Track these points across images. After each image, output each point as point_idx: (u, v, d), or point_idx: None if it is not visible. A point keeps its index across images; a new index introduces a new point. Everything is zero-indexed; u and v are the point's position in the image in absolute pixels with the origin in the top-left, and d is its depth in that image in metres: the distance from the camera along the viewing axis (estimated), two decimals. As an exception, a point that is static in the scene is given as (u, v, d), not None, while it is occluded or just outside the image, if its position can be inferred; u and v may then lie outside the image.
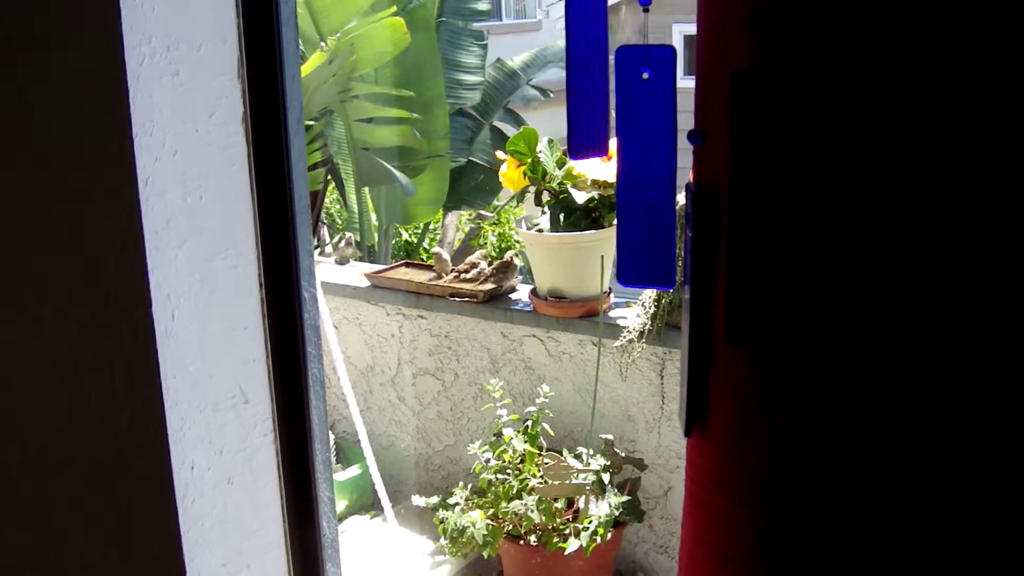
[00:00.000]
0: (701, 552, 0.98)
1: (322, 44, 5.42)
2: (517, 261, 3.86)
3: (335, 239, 4.61)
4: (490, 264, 3.91)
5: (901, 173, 0.78)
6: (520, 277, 3.86)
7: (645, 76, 0.95)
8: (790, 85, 0.82)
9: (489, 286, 3.78)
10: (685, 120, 0.94)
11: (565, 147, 1.04)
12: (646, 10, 0.99)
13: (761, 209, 0.86)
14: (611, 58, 0.98)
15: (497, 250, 8.68)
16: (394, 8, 5.77)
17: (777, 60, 0.83)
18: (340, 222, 8.45)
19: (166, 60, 1.37)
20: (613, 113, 1.00)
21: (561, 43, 7.92)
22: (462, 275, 3.92)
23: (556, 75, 7.87)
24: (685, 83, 0.91)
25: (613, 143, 1.00)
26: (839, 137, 0.81)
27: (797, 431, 0.86)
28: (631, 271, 1.00)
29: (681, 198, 1.34)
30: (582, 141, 1.03)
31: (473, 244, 8.59)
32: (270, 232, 1.53)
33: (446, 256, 4.07)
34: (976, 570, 0.82)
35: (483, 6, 7.25)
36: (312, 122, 5.68)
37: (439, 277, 3.97)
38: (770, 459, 0.89)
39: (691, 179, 0.94)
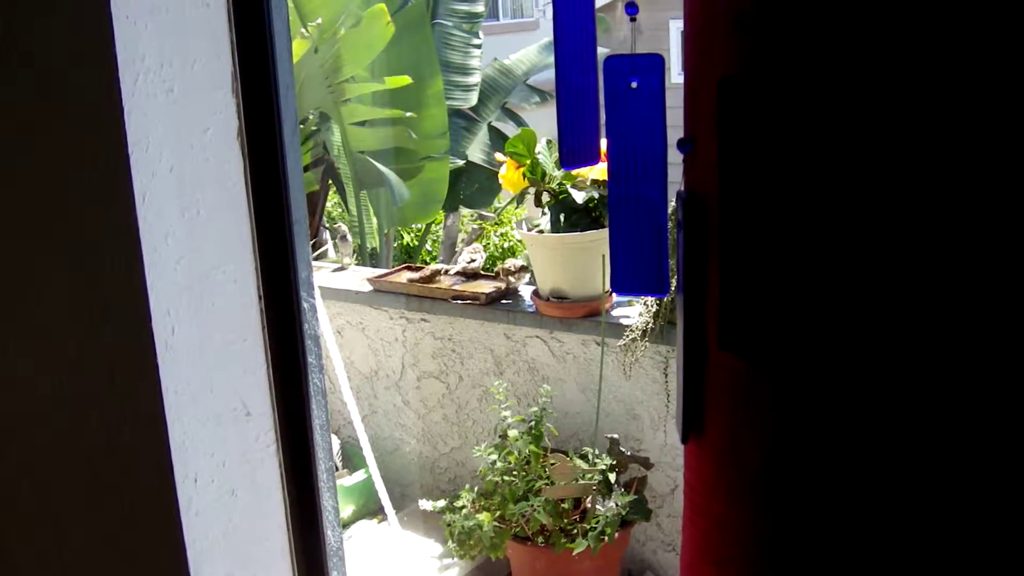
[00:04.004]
0: (700, 558, 0.98)
1: (303, 31, 5.40)
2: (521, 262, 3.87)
3: (339, 236, 4.61)
4: (492, 265, 3.92)
5: (891, 178, 0.78)
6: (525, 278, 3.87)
7: (634, 85, 0.95)
8: (777, 91, 0.83)
9: (494, 286, 3.79)
10: (680, 117, 0.94)
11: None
12: (633, 19, 1.00)
13: (752, 216, 0.86)
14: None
15: (500, 251, 8.68)
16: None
17: (764, 66, 0.83)
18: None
19: (160, 77, 1.38)
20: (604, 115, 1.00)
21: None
22: (467, 265, 3.93)
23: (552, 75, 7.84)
24: (681, 80, 0.92)
25: (605, 144, 1.00)
26: (828, 142, 0.81)
27: (791, 436, 0.87)
28: (624, 279, 1.01)
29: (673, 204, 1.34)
30: (573, 150, 1.03)
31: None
32: (268, 244, 1.54)
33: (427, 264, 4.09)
34: (970, 572, 0.82)
35: (478, 8, 7.25)
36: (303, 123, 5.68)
37: (432, 278, 3.97)
38: (765, 464, 0.89)
39: (682, 186, 0.95)
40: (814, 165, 0.81)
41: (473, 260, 3.97)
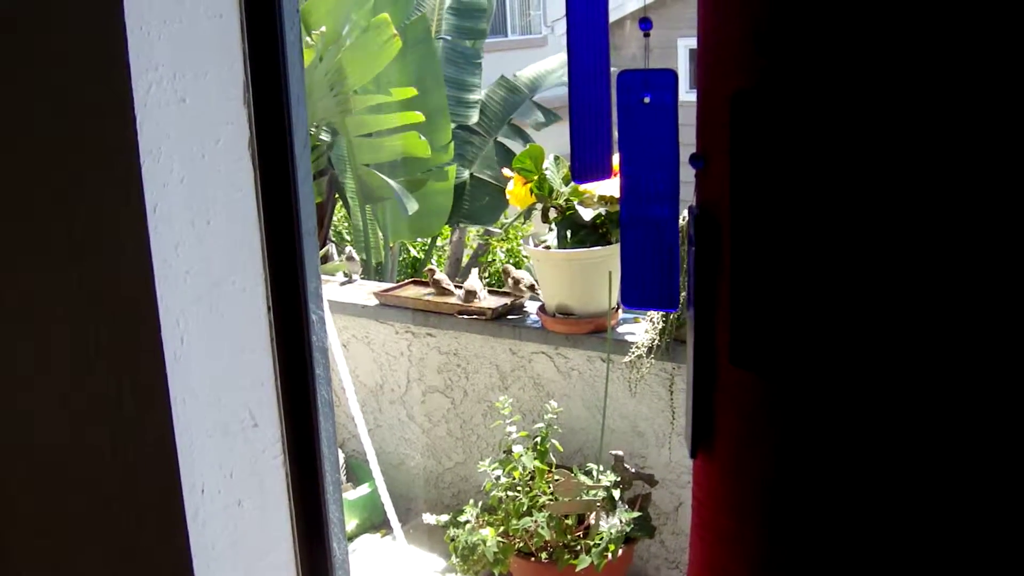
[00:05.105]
0: (707, 573, 0.98)
1: (307, 39, 5.42)
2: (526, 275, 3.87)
3: (344, 257, 4.62)
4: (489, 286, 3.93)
5: (905, 195, 0.78)
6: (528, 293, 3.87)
7: (647, 100, 0.95)
8: (790, 106, 0.83)
9: (500, 302, 3.80)
10: (690, 134, 0.94)
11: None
12: (646, 35, 1.00)
13: (763, 231, 0.86)
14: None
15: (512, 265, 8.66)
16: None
17: (777, 81, 0.83)
18: (349, 239, 8.46)
19: (172, 87, 1.38)
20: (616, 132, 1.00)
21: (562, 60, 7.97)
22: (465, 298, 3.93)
23: (561, 92, 7.90)
24: (690, 97, 0.92)
25: (617, 159, 1.01)
26: (840, 158, 0.81)
27: (801, 452, 0.87)
28: (635, 293, 1.01)
29: (684, 219, 1.34)
30: (585, 164, 1.03)
31: (482, 261, 8.60)
32: (277, 256, 1.54)
33: (441, 276, 4.09)
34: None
35: (480, 25, 7.28)
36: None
37: (439, 294, 3.98)
38: (774, 479, 0.89)
39: (694, 201, 0.95)
40: (826, 180, 0.81)
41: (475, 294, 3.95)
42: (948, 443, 0.80)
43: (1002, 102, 0.74)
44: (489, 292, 3.97)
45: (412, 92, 5.71)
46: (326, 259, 5.35)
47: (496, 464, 3.47)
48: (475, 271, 4.11)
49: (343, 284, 4.45)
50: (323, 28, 5.45)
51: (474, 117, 7.20)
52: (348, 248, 4.77)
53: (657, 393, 3.45)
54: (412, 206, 5.97)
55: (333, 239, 7.93)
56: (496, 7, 10.00)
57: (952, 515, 0.81)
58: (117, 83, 1.34)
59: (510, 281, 3.81)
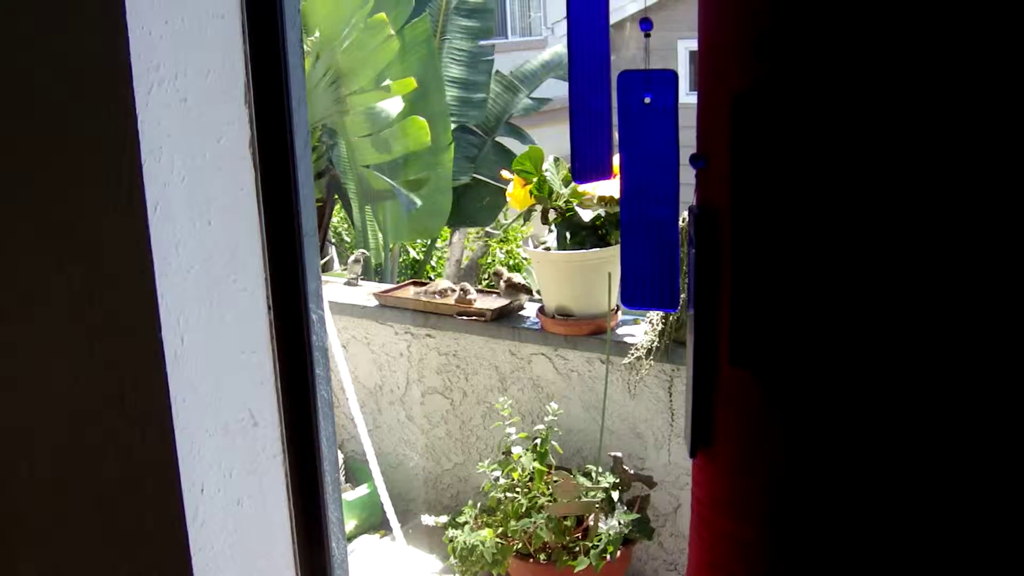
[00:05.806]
0: (708, 573, 0.98)
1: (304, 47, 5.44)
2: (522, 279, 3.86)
3: (351, 259, 4.62)
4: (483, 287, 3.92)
5: (905, 196, 0.79)
6: (527, 297, 3.86)
7: (647, 101, 0.95)
8: (791, 108, 0.83)
9: (500, 302, 3.79)
10: (689, 136, 0.94)
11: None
12: (647, 35, 1.00)
13: (764, 231, 0.86)
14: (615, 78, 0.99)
15: (505, 267, 8.65)
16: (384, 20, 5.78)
17: (778, 83, 0.84)
18: (349, 241, 8.46)
19: (174, 87, 1.38)
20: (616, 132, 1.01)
21: (559, 52, 7.99)
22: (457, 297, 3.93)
23: (554, 85, 7.92)
24: (690, 99, 0.92)
25: (617, 159, 1.01)
26: (841, 159, 0.81)
27: (800, 452, 0.87)
28: (635, 293, 1.01)
29: (684, 219, 1.34)
30: (586, 165, 1.03)
31: (481, 262, 8.59)
32: (278, 255, 1.54)
33: (446, 284, 4.08)
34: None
35: (487, 24, 7.29)
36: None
37: (439, 296, 3.98)
38: (774, 480, 0.89)
39: (694, 201, 0.95)
40: (828, 180, 0.81)
41: (468, 291, 3.95)
42: (952, 445, 0.80)
43: (998, 103, 0.75)
44: (479, 291, 3.97)
45: (412, 84, 5.71)
46: (327, 267, 5.35)
47: (495, 465, 3.47)
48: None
49: (346, 284, 4.45)
50: (317, 34, 5.48)
51: (480, 117, 7.21)
52: (358, 251, 4.77)
53: (656, 395, 3.45)
54: (415, 203, 5.97)
55: (332, 240, 7.92)
56: (496, 9, 10.04)
57: (959, 518, 0.81)
58: (118, 83, 1.35)
59: (502, 284, 3.81)
